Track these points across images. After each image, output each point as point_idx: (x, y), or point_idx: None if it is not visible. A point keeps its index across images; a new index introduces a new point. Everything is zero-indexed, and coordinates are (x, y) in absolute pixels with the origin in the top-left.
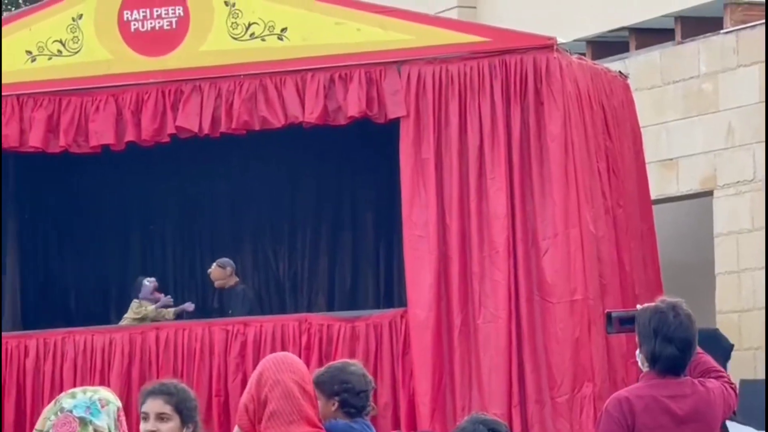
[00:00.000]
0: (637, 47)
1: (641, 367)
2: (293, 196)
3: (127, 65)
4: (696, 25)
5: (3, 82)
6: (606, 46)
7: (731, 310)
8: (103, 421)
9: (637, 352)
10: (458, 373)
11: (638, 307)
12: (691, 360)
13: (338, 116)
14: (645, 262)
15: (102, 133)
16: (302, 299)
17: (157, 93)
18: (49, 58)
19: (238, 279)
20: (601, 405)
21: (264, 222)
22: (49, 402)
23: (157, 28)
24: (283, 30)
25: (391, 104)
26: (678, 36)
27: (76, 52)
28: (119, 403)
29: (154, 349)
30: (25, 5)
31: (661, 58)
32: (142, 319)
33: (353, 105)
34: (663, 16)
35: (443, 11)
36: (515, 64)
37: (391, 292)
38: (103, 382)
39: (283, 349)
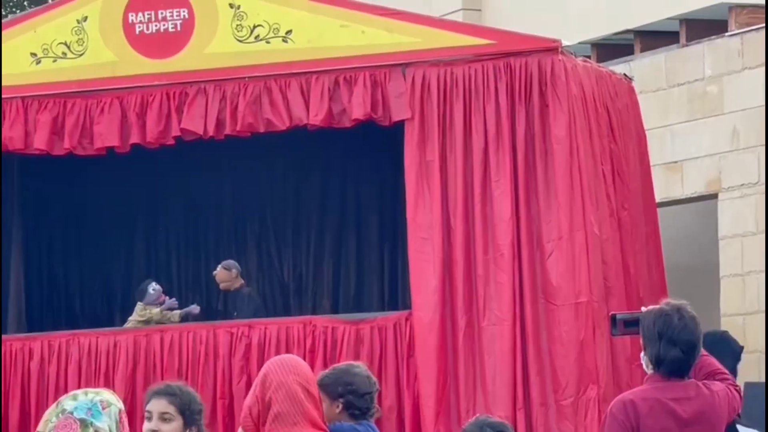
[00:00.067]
0: (642, 50)
1: (646, 369)
2: (298, 198)
3: (132, 67)
4: (701, 28)
5: (8, 84)
6: (611, 48)
7: (736, 313)
8: (105, 422)
9: (642, 354)
10: (463, 375)
11: (643, 309)
12: (696, 362)
13: (343, 119)
14: (650, 265)
15: (107, 136)
16: (307, 302)
17: (161, 95)
18: (54, 61)
19: (243, 281)
20: (606, 408)
21: (268, 224)
22: (52, 404)
23: (161, 30)
24: (288, 32)
25: (396, 107)
26: (683, 39)
27: (81, 55)
28: (121, 405)
29: (159, 351)
30: (30, 7)
31: (666, 60)
32: (147, 322)
33: (358, 107)
34: (668, 18)
35: (448, 14)
36: (520, 67)
37: (395, 294)
38: (108, 384)
39: (288, 351)
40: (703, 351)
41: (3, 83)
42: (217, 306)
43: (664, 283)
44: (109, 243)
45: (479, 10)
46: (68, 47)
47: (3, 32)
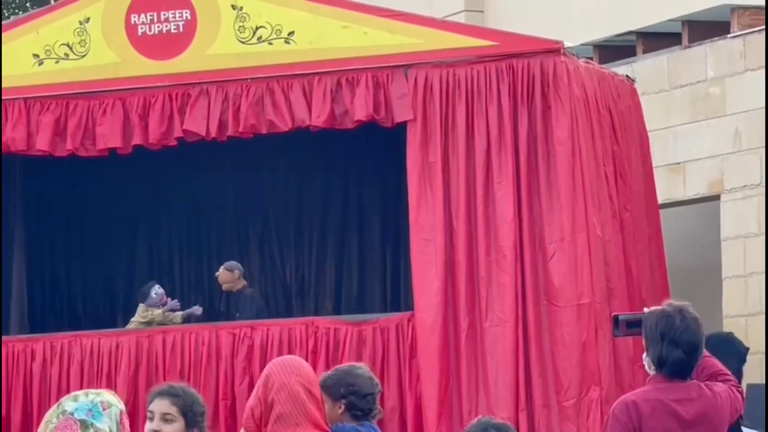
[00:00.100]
0: (645, 51)
1: (648, 370)
2: (300, 199)
3: (135, 69)
4: (703, 30)
5: (10, 85)
6: (613, 50)
7: (738, 314)
8: (105, 423)
9: (644, 355)
10: (465, 377)
11: (645, 310)
12: (698, 363)
13: (345, 120)
14: (652, 266)
15: (109, 137)
16: (309, 303)
17: (164, 96)
18: (57, 62)
19: (245, 282)
20: (608, 409)
21: (271, 226)
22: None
23: (164, 31)
24: (290, 33)
25: (398, 108)
26: (685, 40)
27: (84, 56)
28: (122, 406)
29: (161, 352)
30: (33, 9)
31: (669, 62)
32: (149, 323)
33: (360, 109)
34: (670, 20)
35: (450, 15)
36: (522, 68)
37: (397, 295)
38: (110, 385)
39: (290, 352)
40: (705, 352)
41: (5, 84)
42: (219, 307)
43: (667, 284)
44: (112, 244)
45: (482, 11)
46: (70, 48)
47: (5, 33)
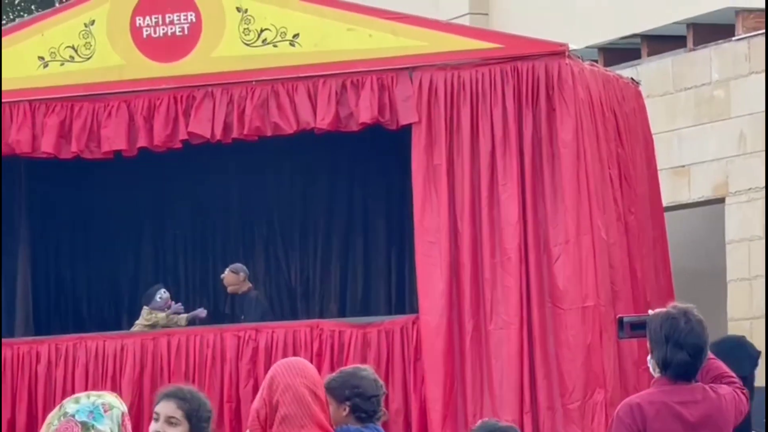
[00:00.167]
0: (649, 54)
1: (652, 372)
2: (305, 202)
3: (140, 71)
4: (708, 32)
5: (16, 87)
6: (618, 52)
7: (743, 317)
8: (106, 425)
9: (649, 357)
10: (470, 379)
11: (650, 312)
12: (703, 366)
13: (350, 122)
14: (657, 269)
15: (114, 139)
16: (314, 305)
17: (169, 99)
18: (62, 64)
19: (251, 285)
20: (613, 411)
21: (276, 228)
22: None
23: (169, 34)
24: (295, 36)
25: (403, 110)
26: (690, 43)
27: (89, 58)
28: (124, 408)
29: (166, 355)
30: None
31: (673, 65)
32: (153, 326)
33: (365, 111)
34: (675, 23)
35: (455, 18)
36: (527, 71)
37: (402, 298)
38: (115, 388)
39: (295, 355)
40: (710, 354)
41: (11, 87)
42: (224, 309)
43: (671, 287)
44: (117, 246)
45: (486, 14)
46: (76, 51)
47: (11, 36)
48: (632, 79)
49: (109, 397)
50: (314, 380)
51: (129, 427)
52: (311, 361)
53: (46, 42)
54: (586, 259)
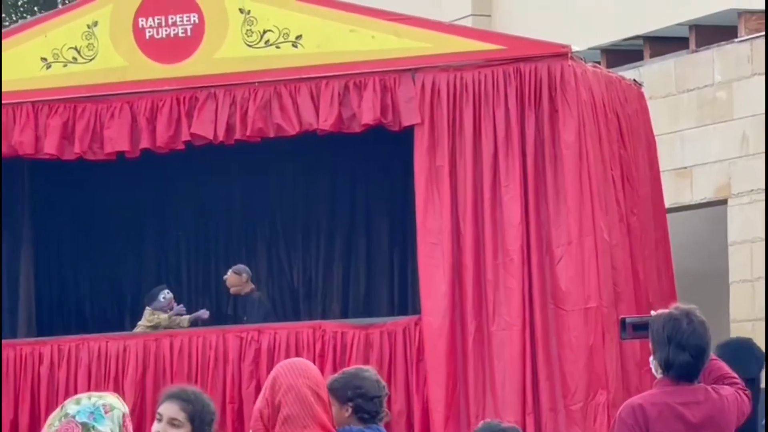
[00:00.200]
0: (652, 55)
1: (655, 373)
2: (307, 203)
3: (142, 72)
4: (710, 34)
5: (18, 89)
6: (620, 54)
7: (745, 318)
8: (107, 426)
9: (651, 358)
10: (472, 380)
11: (652, 313)
12: (705, 367)
13: (353, 124)
14: (659, 270)
15: (117, 140)
16: (316, 306)
17: (171, 100)
18: (65, 65)
19: (253, 286)
20: (615, 413)
21: (278, 229)
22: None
23: (172, 35)
24: (298, 37)
25: (406, 112)
26: (692, 44)
27: (91, 60)
28: (125, 409)
29: (168, 356)
30: (41, 12)
31: (676, 66)
32: (156, 327)
33: (368, 112)
34: (677, 24)
35: (458, 19)
36: (530, 72)
37: (405, 299)
38: (117, 389)
39: (298, 356)
40: (712, 355)
41: (14, 88)
42: (226, 311)
43: (674, 288)
44: (119, 247)
45: (489, 15)
46: (78, 52)
47: (14, 37)
48: (635, 80)
49: (111, 398)
50: (317, 381)
51: (130, 428)
52: (314, 362)
53: (48, 43)
54: (589, 261)
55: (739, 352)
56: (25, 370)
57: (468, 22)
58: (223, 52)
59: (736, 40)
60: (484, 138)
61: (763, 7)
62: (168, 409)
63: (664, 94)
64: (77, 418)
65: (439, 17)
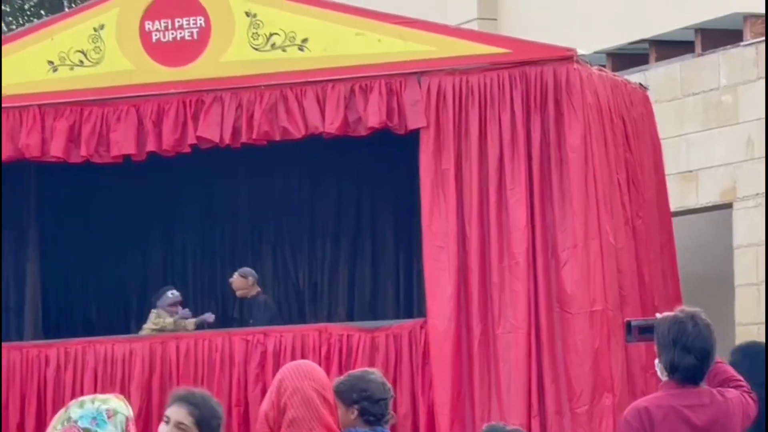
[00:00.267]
0: (658, 59)
1: (660, 376)
2: (313, 206)
3: (149, 75)
4: (716, 38)
5: (25, 92)
6: (626, 58)
7: (751, 322)
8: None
9: (656, 361)
10: (478, 383)
11: (657, 316)
12: (710, 369)
13: (358, 127)
14: (664, 274)
15: (123, 143)
16: (322, 309)
17: (178, 103)
18: (71, 68)
19: (259, 289)
20: (621, 416)
21: (284, 232)
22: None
23: (178, 38)
24: (304, 41)
25: (412, 115)
26: (698, 48)
27: (98, 63)
28: (129, 413)
29: (174, 359)
30: (48, 16)
31: (681, 70)
32: (161, 331)
33: (373, 116)
34: (683, 28)
35: (463, 23)
36: (535, 76)
37: (410, 302)
38: (123, 392)
39: (303, 359)
40: (717, 358)
41: (20, 91)
42: (232, 314)
43: (679, 292)
44: (125, 250)
45: (495, 19)
46: (85, 55)
47: (20, 40)
48: (640, 84)
49: (115, 402)
50: (323, 383)
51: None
52: (319, 365)
53: (55, 46)
54: (594, 264)
55: (754, 356)
56: (32, 373)
57: (474, 26)
58: (230, 56)
59: (741, 43)
60: (490, 141)
61: None
62: (175, 412)
63: (670, 97)
64: (80, 423)
65: (445, 21)
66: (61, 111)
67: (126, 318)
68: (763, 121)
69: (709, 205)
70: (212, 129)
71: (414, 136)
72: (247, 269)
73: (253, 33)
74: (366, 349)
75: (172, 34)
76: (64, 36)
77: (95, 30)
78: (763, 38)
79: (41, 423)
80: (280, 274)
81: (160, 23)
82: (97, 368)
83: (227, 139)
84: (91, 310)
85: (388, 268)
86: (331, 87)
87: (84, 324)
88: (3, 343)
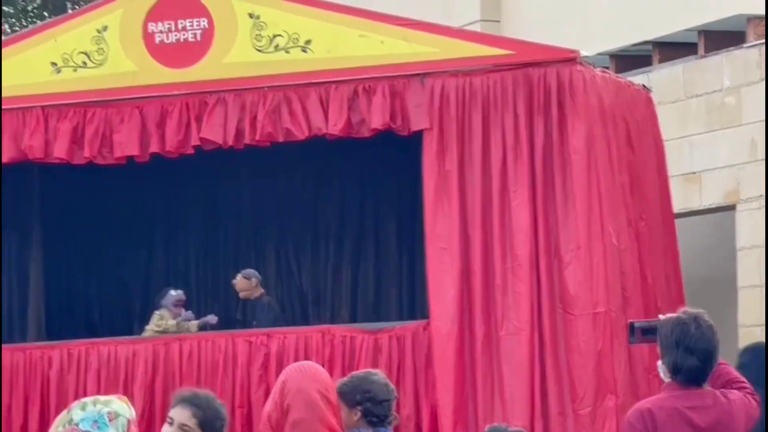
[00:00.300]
0: (661, 61)
1: (663, 377)
2: (316, 207)
3: (152, 77)
4: (719, 39)
5: (28, 93)
6: (629, 59)
7: (754, 324)
8: None
9: (659, 362)
10: (481, 385)
11: (660, 317)
12: (713, 371)
13: (362, 128)
14: (667, 276)
15: (126, 145)
16: (325, 310)
17: (181, 105)
18: (75, 70)
19: (263, 290)
20: (624, 418)
21: (287, 234)
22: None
23: (181, 40)
24: (307, 42)
25: (415, 117)
26: (701, 50)
27: (101, 64)
28: (131, 415)
29: (178, 360)
30: (51, 17)
31: (685, 71)
32: (164, 332)
33: (377, 117)
34: (686, 30)
35: (467, 25)
36: (538, 78)
37: (413, 304)
38: (126, 393)
39: (307, 360)
40: (720, 359)
41: (23, 92)
42: (235, 315)
43: (682, 293)
44: (128, 252)
45: (498, 21)
46: (88, 57)
47: (24, 42)
48: (643, 85)
49: (117, 404)
50: (326, 384)
51: None
52: (323, 367)
53: (58, 48)
54: (597, 265)
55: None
56: (35, 374)
57: (477, 28)
58: (233, 57)
59: (744, 45)
60: (493, 143)
61: None
62: (179, 414)
63: (673, 99)
64: (81, 425)
65: (449, 22)
66: (65, 112)
67: (129, 319)
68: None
69: (713, 206)
70: (215, 130)
71: (417, 137)
72: (250, 271)
73: (257, 34)
74: (369, 350)
75: (176, 35)
76: (68, 37)
77: (98, 31)
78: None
79: (44, 424)
80: (283, 276)
81: (163, 25)
82: (100, 369)
83: (230, 141)
84: (94, 312)
85: (391, 270)
86: (334, 88)
87: (87, 325)
88: (6, 345)
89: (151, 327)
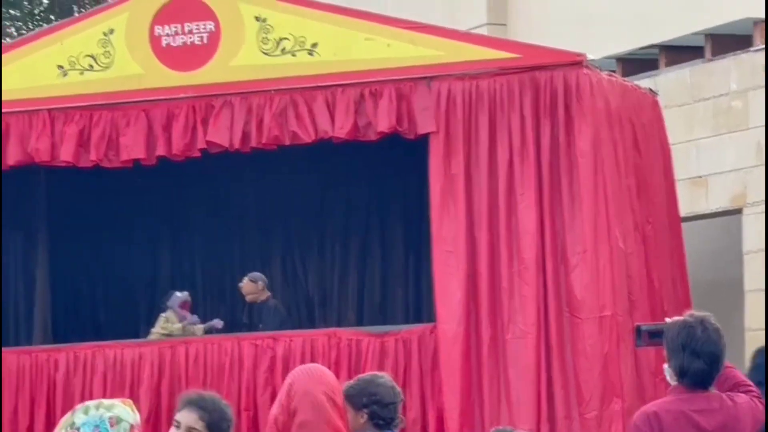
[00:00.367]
0: (667, 64)
1: (669, 380)
2: (322, 210)
3: (158, 80)
4: (726, 43)
5: (35, 96)
6: (636, 63)
7: (760, 327)
8: None
9: (665, 366)
10: (487, 388)
11: (667, 320)
12: (719, 374)
13: (368, 132)
14: (674, 279)
15: (133, 148)
16: (331, 313)
17: (187, 108)
18: (81, 73)
19: (269, 293)
20: (630, 421)
21: (293, 237)
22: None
23: (188, 43)
24: (314, 45)
25: (421, 120)
26: (708, 53)
27: (108, 67)
28: (135, 420)
29: (184, 363)
30: (57, 20)
31: (691, 75)
32: (169, 335)
33: (383, 120)
34: (693, 33)
35: (473, 28)
36: (545, 81)
37: (420, 307)
38: (133, 396)
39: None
40: (726, 362)
41: (30, 95)
42: (241, 318)
43: (689, 297)
44: (134, 254)
45: (504, 24)
46: (95, 60)
47: (30, 45)
48: (650, 89)
49: (120, 409)
50: (333, 387)
51: None
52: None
53: (65, 51)
54: (604, 269)
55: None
56: (41, 377)
57: (483, 31)
58: (239, 60)
59: (751, 49)
60: (500, 146)
61: None
62: (186, 417)
63: (680, 103)
64: (82, 430)
65: (455, 26)
66: (71, 115)
67: (135, 322)
68: None
69: (719, 210)
70: (222, 134)
71: (424, 140)
72: (256, 274)
73: (263, 38)
74: (375, 353)
75: (182, 38)
76: (74, 40)
77: (105, 34)
78: None
79: (50, 427)
80: (289, 279)
81: (170, 28)
82: (106, 372)
83: (237, 144)
84: (100, 314)
85: (398, 273)
86: (341, 92)
87: (93, 328)
88: (13, 348)
89: (157, 330)
